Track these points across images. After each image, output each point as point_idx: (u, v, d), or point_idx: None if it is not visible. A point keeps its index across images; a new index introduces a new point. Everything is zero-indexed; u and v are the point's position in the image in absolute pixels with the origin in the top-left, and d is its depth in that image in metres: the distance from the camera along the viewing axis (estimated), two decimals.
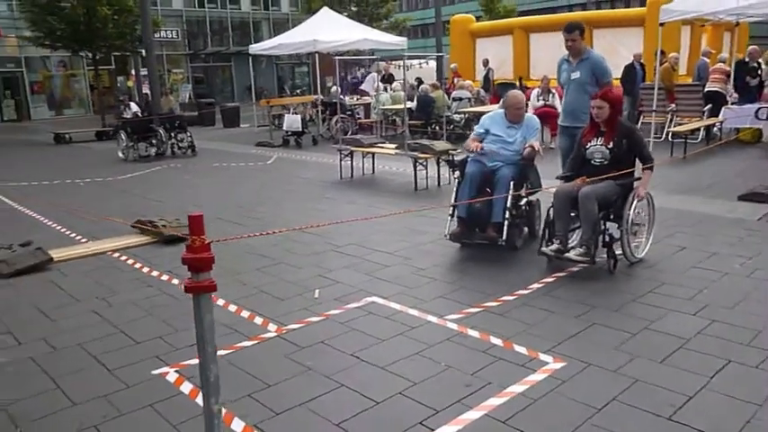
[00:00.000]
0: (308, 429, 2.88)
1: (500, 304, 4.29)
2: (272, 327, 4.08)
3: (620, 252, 4.85)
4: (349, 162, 9.85)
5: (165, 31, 30.42)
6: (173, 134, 13.49)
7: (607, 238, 4.83)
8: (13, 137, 20.10)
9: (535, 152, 5.40)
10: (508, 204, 5.25)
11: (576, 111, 5.86)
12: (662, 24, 9.57)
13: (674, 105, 11.60)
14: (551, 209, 4.91)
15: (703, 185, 7.92)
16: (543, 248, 4.88)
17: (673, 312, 4.03)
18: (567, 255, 4.72)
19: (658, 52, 10.40)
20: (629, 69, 12.89)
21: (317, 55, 15.83)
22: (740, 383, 3.12)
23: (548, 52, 15.26)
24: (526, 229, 5.73)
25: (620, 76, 12.89)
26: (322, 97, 16.14)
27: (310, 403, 3.09)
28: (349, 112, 15.37)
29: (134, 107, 16.86)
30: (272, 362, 3.58)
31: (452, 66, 18.23)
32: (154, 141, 13.24)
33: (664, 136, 11.35)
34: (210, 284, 1.86)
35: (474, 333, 3.84)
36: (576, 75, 5.89)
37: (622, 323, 3.89)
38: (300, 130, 14.35)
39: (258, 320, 4.20)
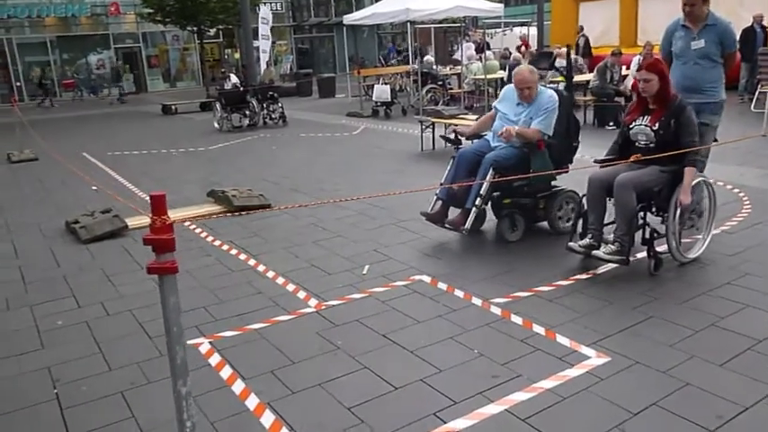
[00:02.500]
0: (318, 411, 2.81)
1: (553, 290, 4.01)
2: (312, 302, 4.04)
3: (666, 249, 4.20)
4: (430, 134, 9.66)
5: (270, 3, 31.11)
6: (264, 105, 13.82)
7: (647, 235, 4.19)
8: (127, 108, 21.48)
9: (510, 135, 4.73)
10: (481, 191, 4.72)
11: (701, 85, 4.95)
12: None
13: None
14: (584, 198, 4.37)
15: None
16: (570, 243, 4.27)
17: (749, 308, 3.58)
18: (594, 252, 4.10)
19: None
20: (748, 33, 11.64)
21: (408, 24, 15.56)
22: None
23: (659, 17, 14.09)
24: (546, 223, 5.17)
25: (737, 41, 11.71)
26: (416, 67, 15.90)
27: (328, 384, 3.02)
28: (440, 83, 15.05)
29: (234, 79, 17.41)
30: (302, 338, 3.54)
31: (521, 33, 17.37)
32: (247, 112, 13.63)
33: None
34: (172, 266, 1.80)
35: (517, 319, 3.61)
36: (698, 44, 5.06)
37: (686, 318, 3.50)
38: (389, 100, 14.27)
39: (301, 295, 4.18)
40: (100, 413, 2.89)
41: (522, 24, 18.48)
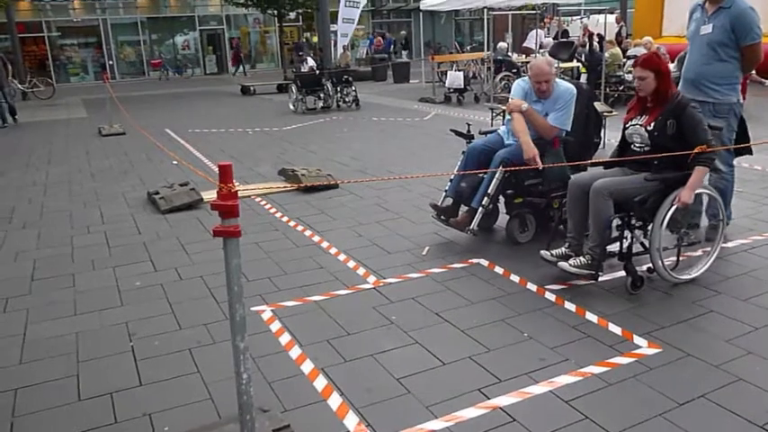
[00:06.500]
0: (368, 379, 2.95)
1: (611, 279, 3.98)
2: (371, 279, 4.19)
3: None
4: (500, 121, 9.60)
5: None
6: (339, 88, 14.07)
7: (625, 249, 3.81)
8: (209, 88, 22.31)
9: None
10: (489, 190, 4.47)
11: (700, 80, 4.29)
12: None
13: None
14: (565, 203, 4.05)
15: None
16: (543, 252, 3.98)
17: None
18: (561, 264, 3.79)
19: None
20: None
21: (485, 10, 15.39)
22: None
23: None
24: (561, 226, 4.64)
25: None
26: (491, 54, 15.74)
27: (380, 355, 3.16)
28: (515, 70, 14.85)
29: (310, 62, 17.75)
30: (359, 312, 3.68)
31: (585, 22, 16.80)
32: (321, 95, 13.92)
33: None
34: (235, 230, 1.96)
35: (570, 306, 3.62)
36: (706, 29, 4.26)
37: (747, 314, 3.42)
38: (462, 87, 14.22)
39: (361, 271, 4.33)
40: (169, 366, 3.14)
41: (600, 12, 17.76)
